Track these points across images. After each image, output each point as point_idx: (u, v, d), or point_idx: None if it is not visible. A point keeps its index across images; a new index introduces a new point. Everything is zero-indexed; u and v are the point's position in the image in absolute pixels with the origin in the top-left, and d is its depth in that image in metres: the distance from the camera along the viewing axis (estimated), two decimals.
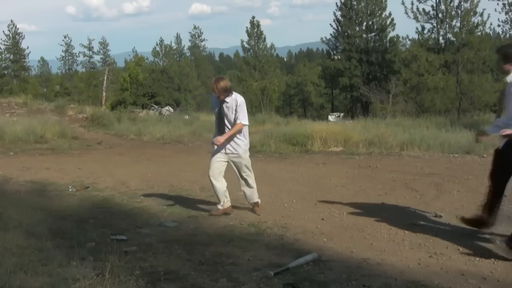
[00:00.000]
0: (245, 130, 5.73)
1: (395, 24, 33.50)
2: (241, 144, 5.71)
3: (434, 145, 10.47)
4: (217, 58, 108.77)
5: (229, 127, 5.60)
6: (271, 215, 5.70)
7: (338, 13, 34.51)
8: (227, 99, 5.57)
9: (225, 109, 5.59)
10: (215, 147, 5.72)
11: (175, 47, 51.78)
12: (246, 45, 43.11)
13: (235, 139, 5.66)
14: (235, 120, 5.58)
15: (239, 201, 6.22)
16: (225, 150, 5.71)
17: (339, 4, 34.39)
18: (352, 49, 33.36)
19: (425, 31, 27.67)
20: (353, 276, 3.78)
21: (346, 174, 8.15)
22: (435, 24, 27.46)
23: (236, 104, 5.56)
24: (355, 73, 32.83)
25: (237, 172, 5.84)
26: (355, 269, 3.93)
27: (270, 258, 4.21)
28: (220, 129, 5.66)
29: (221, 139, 5.58)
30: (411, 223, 5.23)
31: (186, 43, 54.51)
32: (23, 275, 3.34)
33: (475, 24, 26.40)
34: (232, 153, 5.71)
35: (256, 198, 5.94)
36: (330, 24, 34.98)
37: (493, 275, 3.77)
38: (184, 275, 3.77)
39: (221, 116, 5.64)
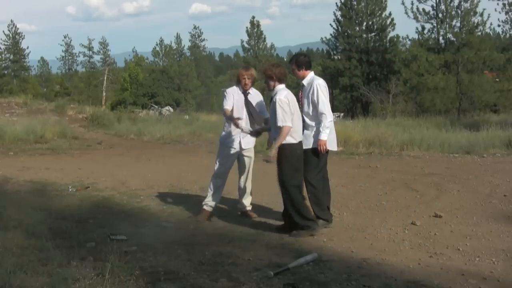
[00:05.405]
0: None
1: (395, 24, 33.46)
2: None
3: (434, 145, 10.47)
4: (217, 58, 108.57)
5: (254, 119, 5.34)
6: (271, 215, 5.69)
7: (338, 13, 34.45)
8: (251, 90, 5.39)
9: (251, 101, 5.36)
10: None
11: (175, 47, 51.75)
12: (246, 45, 43.03)
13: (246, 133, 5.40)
14: (262, 113, 5.39)
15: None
16: (240, 145, 5.45)
17: (339, 4, 34.34)
18: (352, 49, 33.31)
19: (425, 31, 27.66)
20: (353, 276, 3.78)
21: (346, 174, 8.14)
22: (435, 24, 27.45)
23: (261, 98, 5.43)
24: (355, 73, 32.78)
25: (242, 169, 5.65)
26: (355, 269, 3.93)
27: (270, 258, 4.21)
28: (248, 122, 5.35)
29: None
30: (411, 223, 5.24)
31: (186, 43, 54.49)
32: (23, 275, 3.35)
33: (475, 24, 26.39)
34: (246, 149, 5.51)
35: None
36: (330, 24, 34.94)
37: (493, 275, 3.77)
38: (184, 275, 3.77)
39: (250, 108, 5.35)
